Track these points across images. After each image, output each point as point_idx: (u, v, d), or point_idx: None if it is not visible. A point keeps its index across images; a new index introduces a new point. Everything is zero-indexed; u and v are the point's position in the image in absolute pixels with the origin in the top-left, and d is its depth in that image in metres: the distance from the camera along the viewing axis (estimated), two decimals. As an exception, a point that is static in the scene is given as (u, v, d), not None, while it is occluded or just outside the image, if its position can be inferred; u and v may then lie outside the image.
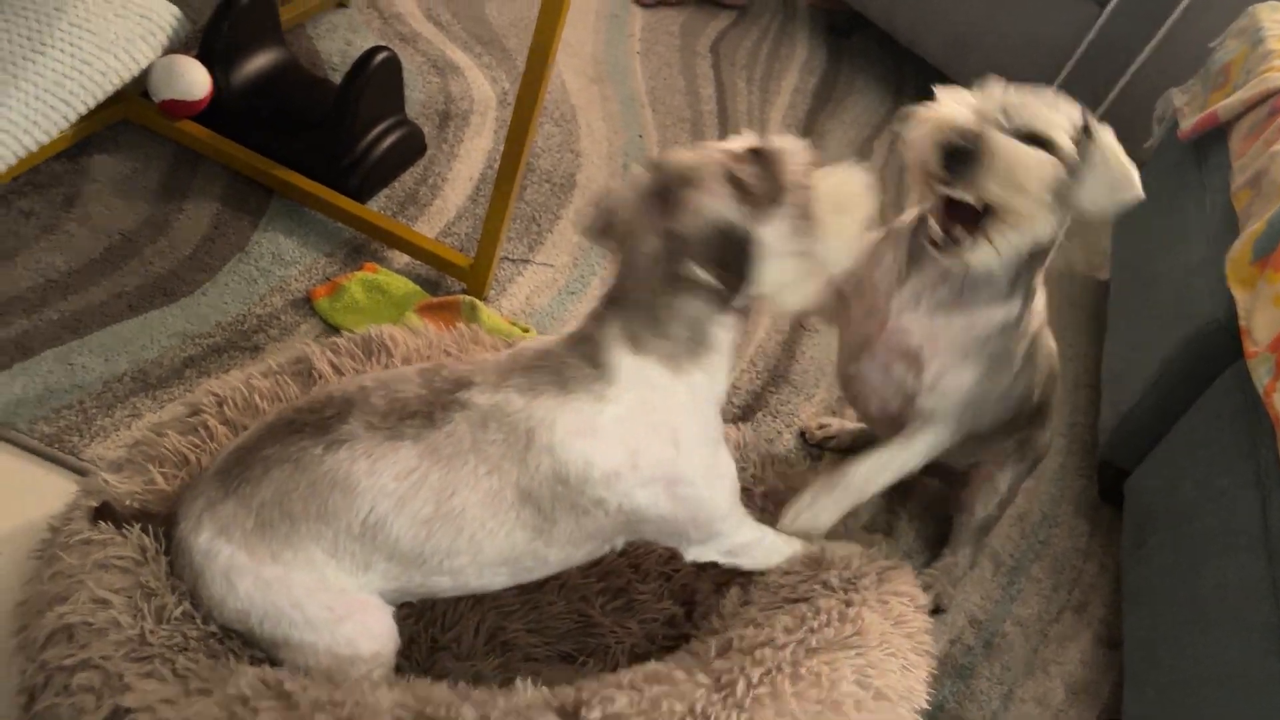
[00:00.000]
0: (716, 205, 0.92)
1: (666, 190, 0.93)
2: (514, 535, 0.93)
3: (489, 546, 0.93)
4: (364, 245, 1.58)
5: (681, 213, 0.92)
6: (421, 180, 1.75)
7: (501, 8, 2.28)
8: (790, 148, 0.97)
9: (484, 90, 1.99)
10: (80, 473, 1.16)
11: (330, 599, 0.90)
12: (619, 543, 1.00)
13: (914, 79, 2.63)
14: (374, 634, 0.92)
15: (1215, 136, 1.77)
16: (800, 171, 0.96)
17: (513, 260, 1.66)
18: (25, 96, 1.36)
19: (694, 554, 1.04)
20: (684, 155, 0.95)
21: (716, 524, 1.02)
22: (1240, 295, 1.37)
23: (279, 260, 1.51)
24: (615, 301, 0.96)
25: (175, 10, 1.57)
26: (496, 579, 0.96)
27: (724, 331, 0.96)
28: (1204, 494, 1.31)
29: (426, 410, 0.92)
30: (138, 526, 0.93)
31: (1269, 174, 1.46)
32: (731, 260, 0.92)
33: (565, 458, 0.91)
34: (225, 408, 1.06)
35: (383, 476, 0.89)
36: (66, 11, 1.44)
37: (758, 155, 0.95)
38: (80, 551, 0.91)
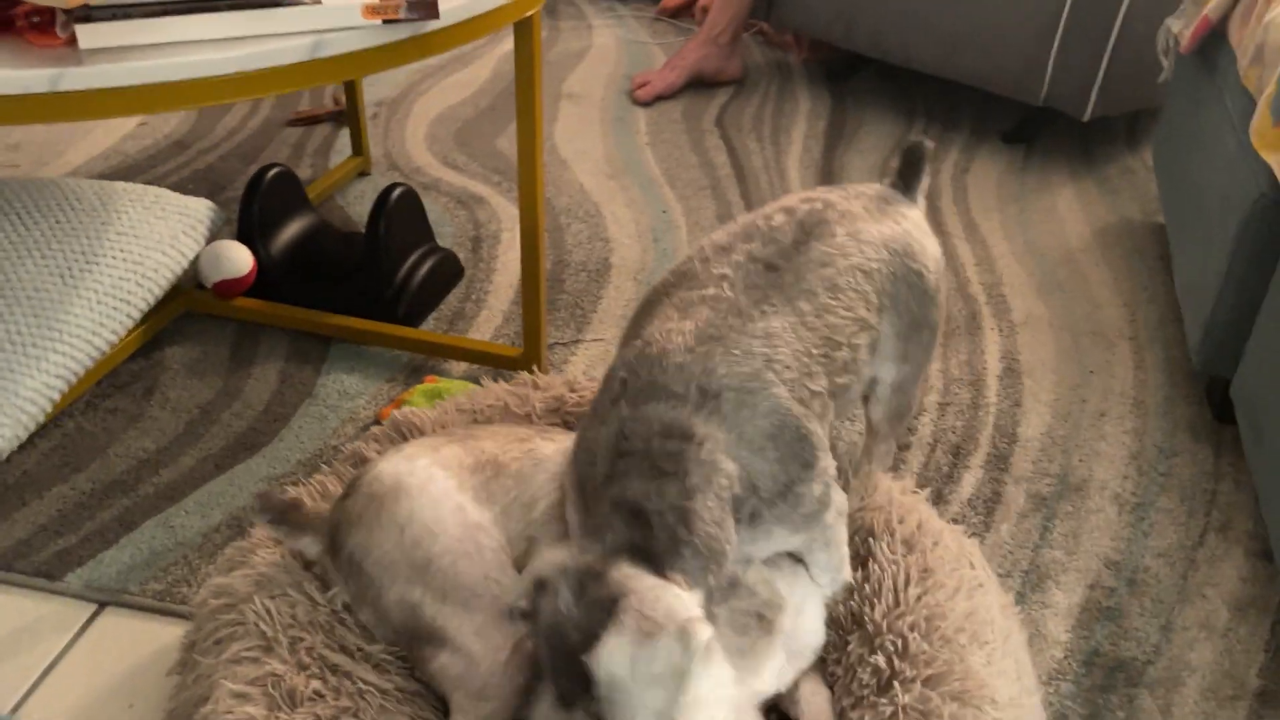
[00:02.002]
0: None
1: None
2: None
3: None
4: (421, 364, 1.65)
5: None
6: (465, 298, 1.83)
7: (511, 140, 2.41)
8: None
9: (509, 211, 2.09)
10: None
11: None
12: None
13: (921, 96, 2.67)
14: None
15: (1215, 41, 1.75)
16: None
17: (564, 344, 1.71)
18: (88, 304, 1.49)
19: None
20: None
21: None
22: (1274, 159, 1.33)
23: (345, 395, 1.58)
24: None
25: (209, 203, 1.70)
26: None
27: None
28: (1303, 363, 1.25)
29: None
30: (256, 607, 0.98)
31: (1267, 43, 1.44)
32: None
33: None
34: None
35: None
36: (113, 223, 1.58)
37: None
38: (214, 652, 0.97)
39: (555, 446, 1.07)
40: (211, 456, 1.46)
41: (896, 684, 0.96)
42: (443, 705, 0.96)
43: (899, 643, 1.00)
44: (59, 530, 1.34)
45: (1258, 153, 1.37)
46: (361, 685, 0.94)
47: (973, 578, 1.09)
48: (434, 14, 1.11)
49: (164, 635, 1.20)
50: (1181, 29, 1.95)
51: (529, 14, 1.32)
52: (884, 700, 0.95)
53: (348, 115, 2.17)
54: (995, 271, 1.97)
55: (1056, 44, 2.25)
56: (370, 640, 0.99)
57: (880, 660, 0.99)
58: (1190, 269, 1.65)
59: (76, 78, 0.98)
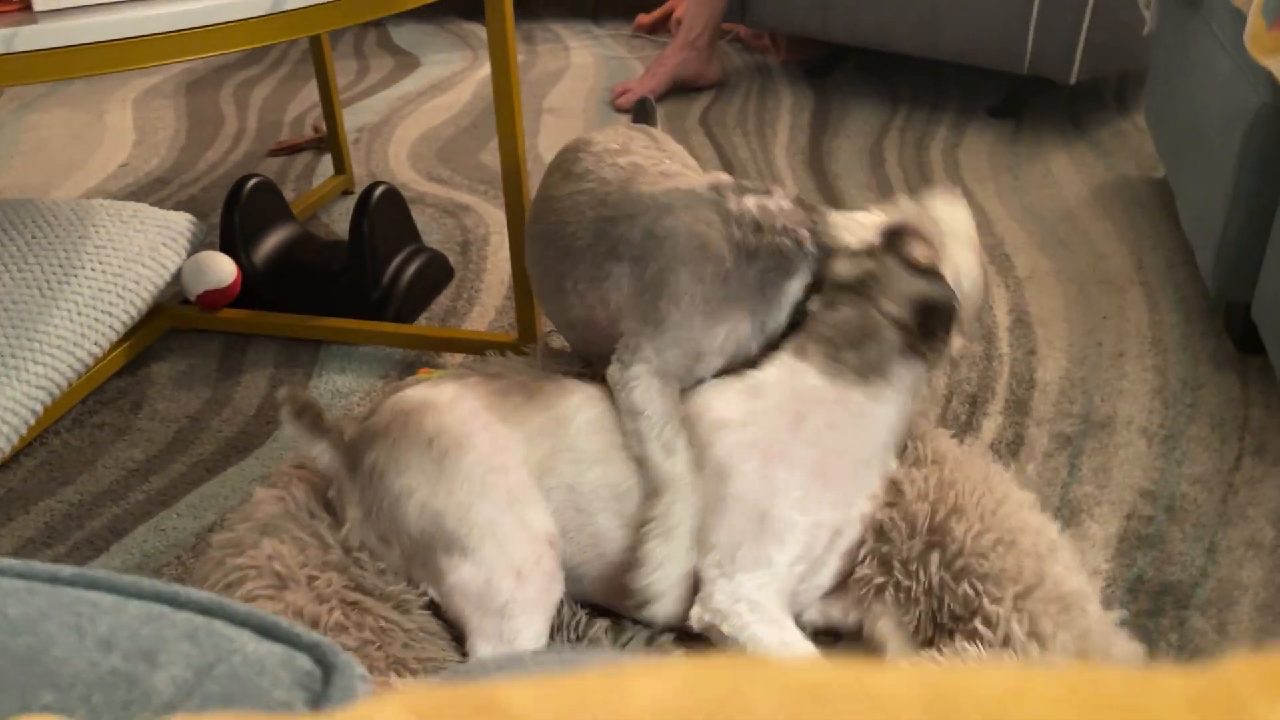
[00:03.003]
0: (913, 289, 1.03)
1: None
2: (624, 459, 1.00)
3: (613, 472, 0.99)
4: (415, 360, 1.60)
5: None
6: (457, 296, 1.78)
7: (494, 154, 2.38)
8: (907, 211, 1.09)
9: (496, 215, 2.06)
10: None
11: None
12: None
13: (904, 80, 2.65)
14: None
15: (1197, -25, 1.73)
16: (929, 227, 1.07)
17: (558, 332, 1.66)
18: (68, 316, 1.45)
19: (719, 588, 0.95)
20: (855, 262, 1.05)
21: (773, 543, 0.95)
22: (1273, 64, 1.29)
23: (338, 394, 1.53)
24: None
25: (189, 216, 1.67)
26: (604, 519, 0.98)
27: (906, 371, 1.03)
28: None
29: None
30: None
31: (1251, -46, 1.41)
32: (937, 323, 1.03)
33: (691, 401, 1.01)
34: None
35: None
36: (91, 237, 1.55)
37: (899, 233, 1.05)
38: (226, 595, 0.92)
39: (585, 386, 1.07)
40: (203, 461, 1.41)
41: (990, 604, 0.91)
42: (462, 644, 0.91)
43: (982, 563, 0.95)
44: (47, 541, 1.28)
45: (1255, 60, 1.33)
46: (384, 622, 0.89)
47: (1022, 496, 1.05)
48: (397, -38, 1.08)
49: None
50: (1160, -24, 1.94)
51: (497, -24, 1.29)
52: (979, 623, 0.90)
53: (329, 139, 2.15)
54: (995, 234, 1.93)
55: (1036, 8, 2.23)
56: (389, 580, 0.94)
57: (968, 589, 0.93)
58: (1196, 200, 1.61)
59: (31, 37, 0.95)
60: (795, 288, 1.06)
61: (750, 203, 1.06)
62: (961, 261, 1.10)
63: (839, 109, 2.53)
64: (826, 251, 1.06)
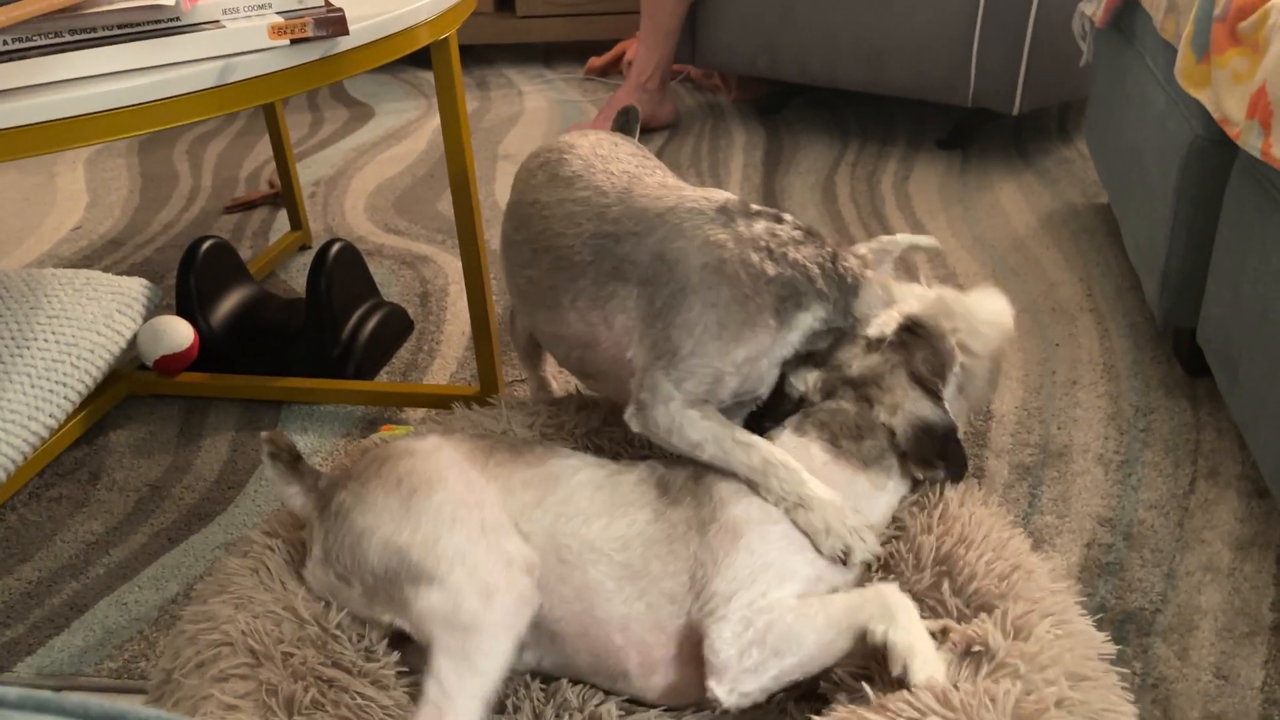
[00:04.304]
0: (910, 407, 1.02)
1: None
2: (630, 515, 0.99)
3: (612, 527, 0.98)
4: (377, 416, 1.60)
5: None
6: (417, 350, 1.78)
7: (449, 202, 2.39)
8: (932, 302, 1.07)
9: (454, 265, 2.07)
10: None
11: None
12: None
13: (853, 115, 2.70)
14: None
15: (1129, 9, 1.78)
16: (955, 318, 1.06)
17: (521, 380, 1.67)
18: (21, 388, 1.43)
19: (722, 637, 0.92)
20: (864, 356, 1.04)
21: (773, 584, 0.93)
22: (1203, 96, 1.33)
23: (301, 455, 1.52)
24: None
25: (143, 281, 1.66)
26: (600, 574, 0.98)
27: (894, 480, 1.03)
28: (1267, 288, 1.23)
29: None
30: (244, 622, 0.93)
31: (1178, -10, 1.45)
32: (929, 448, 1.02)
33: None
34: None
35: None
36: (43, 307, 1.53)
37: (913, 331, 1.04)
38: (198, 674, 0.91)
39: (581, 453, 1.07)
40: (164, 531, 1.40)
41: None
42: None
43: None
44: (5, 622, 1.26)
45: (1187, 93, 1.37)
46: (360, 699, 0.88)
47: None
48: (343, 30, 1.09)
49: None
50: (1094, 10, 1.99)
51: (444, 36, 1.31)
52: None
53: (283, 194, 2.15)
54: (947, 265, 1.96)
55: (976, 44, 2.28)
56: (368, 658, 0.93)
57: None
58: (1139, 229, 1.65)
59: (-26, 120, 0.94)
60: (807, 320, 1.02)
61: (760, 228, 1.02)
62: (974, 366, 1.08)
63: (791, 146, 2.57)
64: (846, 302, 1.04)
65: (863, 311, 1.05)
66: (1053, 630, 0.89)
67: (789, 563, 0.94)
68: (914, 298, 1.08)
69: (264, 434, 1.04)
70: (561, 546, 0.97)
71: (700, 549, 0.96)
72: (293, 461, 1.04)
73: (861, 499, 1.01)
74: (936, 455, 1.02)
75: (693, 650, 0.94)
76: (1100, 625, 1.15)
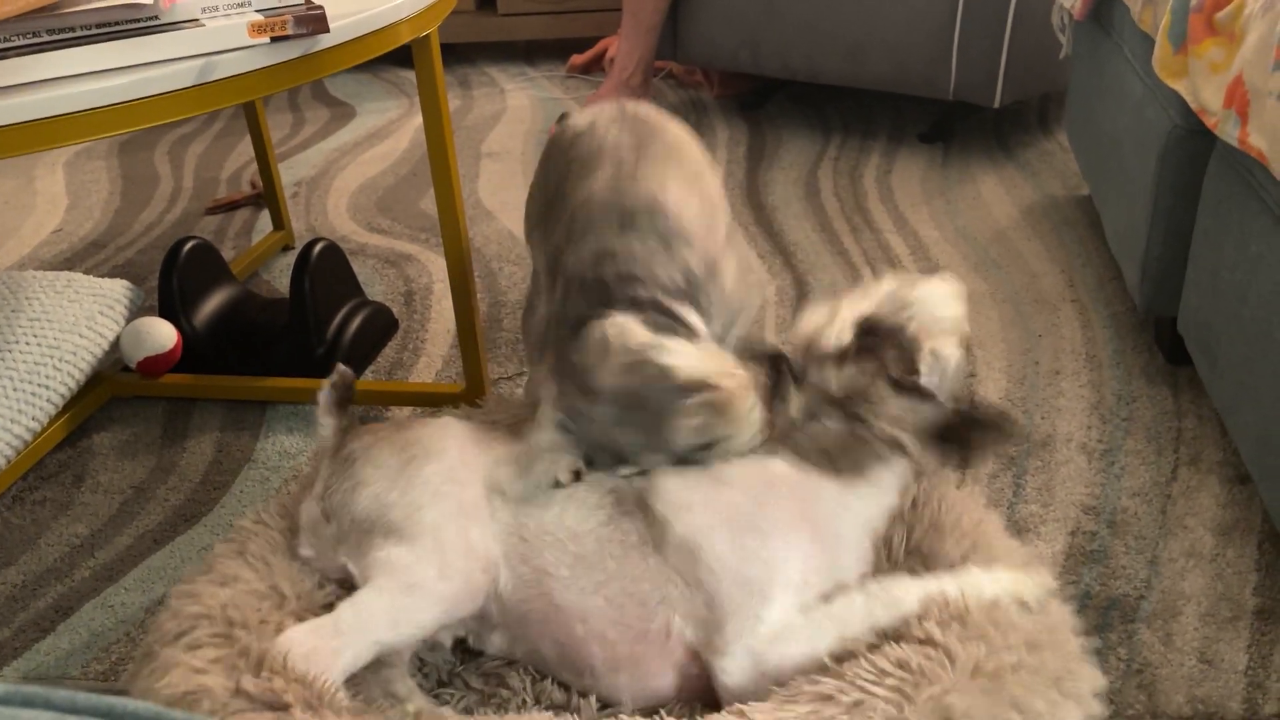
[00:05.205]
0: (910, 418, 1.02)
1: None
2: (584, 512, 1.01)
3: (565, 517, 1.01)
4: (363, 415, 1.60)
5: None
6: (402, 348, 1.78)
7: (432, 201, 2.39)
8: (883, 298, 1.05)
9: (438, 264, 2.06)
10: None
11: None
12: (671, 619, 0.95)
13: (835, 110, 2.70)
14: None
15: (1107, 2, 1.79)
16: (909, 307, 1.05)
17: (507, 378, 1.67)
18: (3, 392, 1.42)
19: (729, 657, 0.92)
20: (837, 372, 1.03)
21: (760, 605, 0.92)
22: (1180, 86, 1.34)
23: (286, 455, 1.52)
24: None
25: (125, 283, 1.65)
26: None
27: (887, 471, 1.02)
28: (1244, 275, 1.24)
29: None
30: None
31: (1155, -18, 1.46)
32: (949, 439, 1.02)
33: (651, 486, 1.00)
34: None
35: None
36: (24, 310, 1.52)
37: (872, 333, 1.03)
38: (174, 645, 0.95)
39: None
40: (150, 533, 1.39)
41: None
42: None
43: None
44: (-10, 626, 1.26)
45: (1164, 84, 1.38)
46: None
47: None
48: (323, 27, 1.09)
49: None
50: (1073, 2, 2.00)
51: (425, 34, 1.30)
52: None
53: (265, 194, 2.14)
54: (930, 258, 1.97)
55: (957, 36, 2.29)
56: None
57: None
58: (1119, 219, 1.66)
59: (-48, 121, 0.94)
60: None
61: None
62: (943, 349, 1.05)
63: (773, 141, 2.57)
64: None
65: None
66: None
67: (767, 571, 0.94)
68: (863, 298, 1.07)
69: (338, 367, 1.11)
70: (522, 525, 1.01)
71: (662, 566, 0.96)
72: (343, 401, 1.10)
73: (827, 507, 1.00)
74: (960, 445, 1.02)
75: (672, 659, 0.95)
76: (1085, 612, 1.17)
